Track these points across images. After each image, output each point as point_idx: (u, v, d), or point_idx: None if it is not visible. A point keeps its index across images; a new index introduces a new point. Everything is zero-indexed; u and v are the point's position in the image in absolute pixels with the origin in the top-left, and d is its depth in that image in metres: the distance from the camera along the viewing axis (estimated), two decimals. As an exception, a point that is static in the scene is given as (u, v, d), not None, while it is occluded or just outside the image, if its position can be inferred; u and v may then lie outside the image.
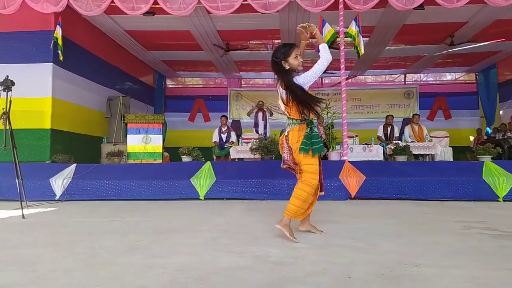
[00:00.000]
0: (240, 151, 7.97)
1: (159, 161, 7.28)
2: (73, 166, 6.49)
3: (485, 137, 11.49)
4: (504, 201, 5.65)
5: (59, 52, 7.24)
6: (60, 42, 7.18)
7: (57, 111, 7.63)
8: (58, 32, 7.19)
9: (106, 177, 6.25)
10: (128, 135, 7.40)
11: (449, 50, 10.69)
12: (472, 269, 2.04)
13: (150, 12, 7.40)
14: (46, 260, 2.30)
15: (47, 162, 7.22)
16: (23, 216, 4.12)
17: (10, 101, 4.55)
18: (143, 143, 7.33)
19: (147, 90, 12.76)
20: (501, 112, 12.22)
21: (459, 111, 13.41)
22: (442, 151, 7.97)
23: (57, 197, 6.03)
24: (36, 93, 7.49)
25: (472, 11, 8.07)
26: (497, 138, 10.43)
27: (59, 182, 6.13)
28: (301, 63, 2.83)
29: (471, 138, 12.41)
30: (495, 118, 12.50)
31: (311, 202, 2.98)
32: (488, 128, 12.39)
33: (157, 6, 7.02)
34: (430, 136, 8.49)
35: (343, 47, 6.87)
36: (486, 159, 6.58)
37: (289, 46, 2.84)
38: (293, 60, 2.79)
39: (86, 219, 4.18)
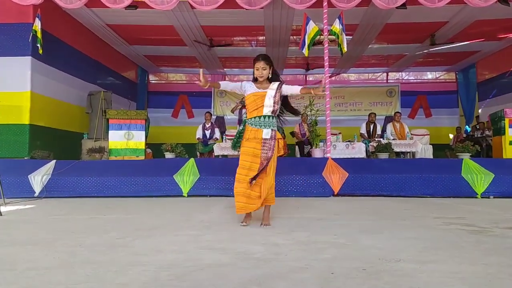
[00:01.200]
0: (224, 148, 7.94)
1: (142, 157, 7.19)
2: (53, 162, 6.36)
3: (464, 135, 11.74)
4: (482, 197, 5.81)
5: (38, 45, 7.03)
6: (39, 35, 6.98)
7: (36, 106, 7.43)
8: (37, 25, 6.99)
9: (87, 174, 6.15)
10: (109, 131, 7.27)
11: (430, 49, 10.87)
12: (450, 264, 2.09)
13: (132, 6, 7.26)
14: (25, 258, 2.24)
15: (25, 158, 7.04)
16: (0, 214, 4.03)
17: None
18: (125, 139, 7.21)
19: (129, 85, 12.56)
20: (479, 110, 12.49)
21: (439, 110, 13.66)
22: (423, 149, 8.12)
23: (36, 194, 5.91)
24: (14, 87, 7.29)
25: (453, 11, 8.22)
26: (475, 136, 10.67)
27: (38, 179, 6.00)
28: (257, 74, 3.33)
29: (451, 136, 12.67)
30: (473, 116, 12.79)
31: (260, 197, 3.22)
32: (467, 126, 12.66)
33: (139, -1, 6.92)
34: (411, 134, 8.63)
35: (326, 45, 6.92)
36: (465, 156, 6.73)
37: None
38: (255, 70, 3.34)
39: (66, 216, 4.11)
